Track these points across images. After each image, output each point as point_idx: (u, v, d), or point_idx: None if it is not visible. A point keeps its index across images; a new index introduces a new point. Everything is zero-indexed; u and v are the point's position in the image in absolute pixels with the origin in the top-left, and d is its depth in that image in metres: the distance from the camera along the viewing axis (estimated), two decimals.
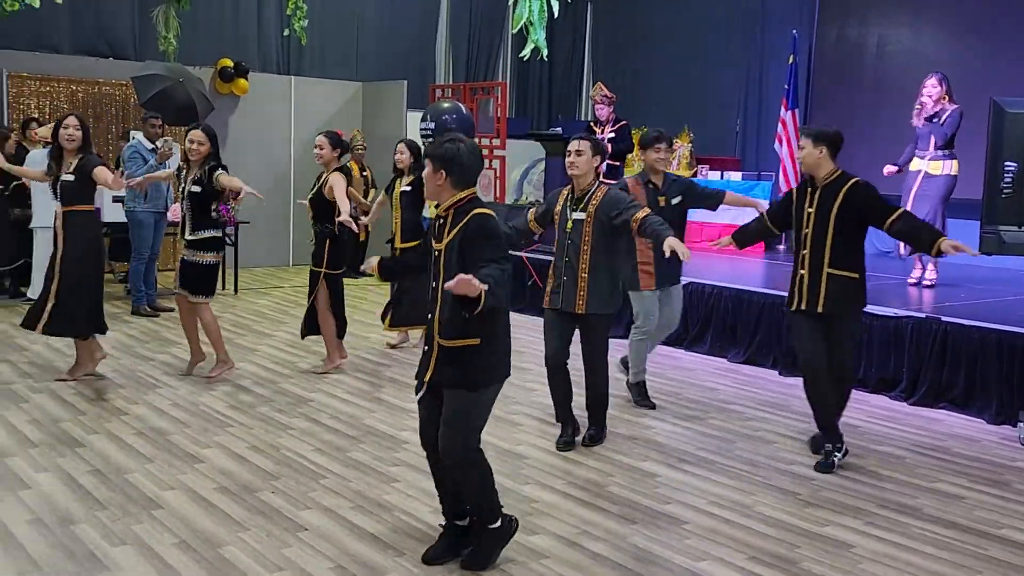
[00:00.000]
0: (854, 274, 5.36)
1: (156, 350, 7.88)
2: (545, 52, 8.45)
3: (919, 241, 5.29)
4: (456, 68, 15.24)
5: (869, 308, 7.25)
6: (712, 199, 6.55)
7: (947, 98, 8.45)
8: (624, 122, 11.22)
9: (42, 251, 9.47)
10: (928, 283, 8.67)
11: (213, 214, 6.81)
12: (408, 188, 7.75)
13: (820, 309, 5.35)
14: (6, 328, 8.44)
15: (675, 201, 6.38)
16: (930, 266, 8.72)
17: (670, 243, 5.19)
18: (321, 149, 7.12)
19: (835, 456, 5.44)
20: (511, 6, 8.58)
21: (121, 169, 8.04)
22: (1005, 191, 6.79)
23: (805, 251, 5.41)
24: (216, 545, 4.13)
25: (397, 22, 14.64)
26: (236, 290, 10.92)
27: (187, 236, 6.79)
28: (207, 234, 6.78)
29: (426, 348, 3.92)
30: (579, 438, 5.76)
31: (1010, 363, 6.55)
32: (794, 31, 12.15)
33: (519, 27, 8.26)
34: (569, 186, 5.61)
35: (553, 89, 16.34)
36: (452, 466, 3.89)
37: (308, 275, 7.44)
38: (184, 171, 6.84)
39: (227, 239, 7.70)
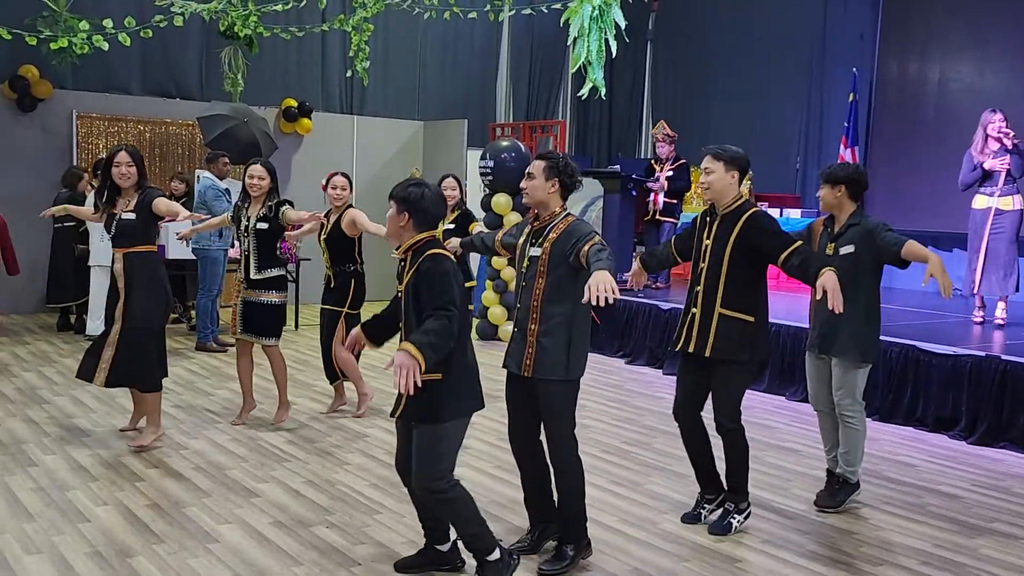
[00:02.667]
0: (749, 317, 4.77)
1: (216, 386, 8.04)
2: (603, 91, 8.53)
3: (807, 276, 4.61)
4: (516, 107, 15.40)
5: (927, 346, 7.21)
6: (890, 249, 5.09)
7: (1012, 132, 8.39)
8: (683, 160, 11.31)
9: (98, 291, 9.74)
10: (999, 321, 8.52)
11: (277, 252, 6.63)
12: (451, 226, 7.45)
13: (708, 353, 4.81)
14: (71, 363, 8.67)
15: (845, 251, 5.19)
16: (1000, 305, 8.58)
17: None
18: (344, 191, 6.85)
19: (733, 517, 4.93)
20: (570, 46, 8.68)
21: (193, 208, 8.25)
22: None
23: (699, 288, 4.86)
24: None
25: (458, 62, 14.87)
26: (296, 326, 11.10)
27: (252, 276, 6.47)
28: (273, 273, 6.53)
29: None
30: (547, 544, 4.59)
31: None
32: (854, 69, 12.09)
33: (578, 66, 8.35)
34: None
35: (613, 127, 16.41)
36: (424, 498, 4.02)
37: (321, 315, 7.06)
38: (244, 208, 6.56)
39: (288, 275, 7.38)
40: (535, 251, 4.33)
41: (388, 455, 6.12)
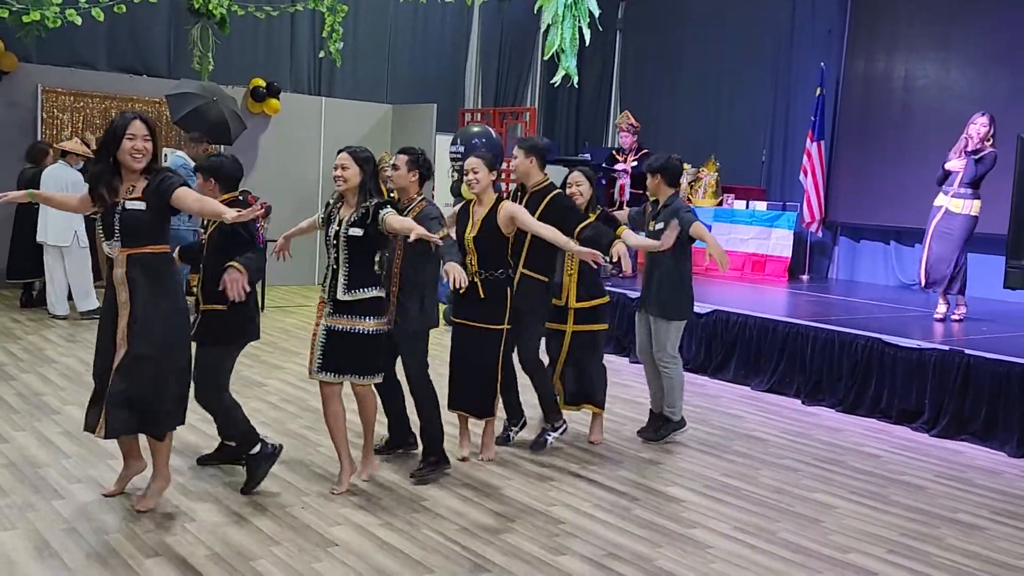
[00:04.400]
0: (544, 277, 5.80)
1: None
2: (576, 79, 8.56)
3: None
4: (485, 93, 15.39)
5: (893, 339, 7.36)
6: (685, 228, 6.09)
7: (991, 140, 8.48)
8: (646, 151, 11.46)
9: (57, 276, 9.62)
10: (956, 317, 8.68)
11: (375, 267, 5.21)
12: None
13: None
14: (37, 340, 8.58)
15: (658, 227, 6.18)
16: (960, 299, 8.74)
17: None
18: (480, 176, 5.58)
19: (549, 435, 6.11)
20: (542, 33, 8.71)
21: None
22: None
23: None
24: (248, 558, 4.20)
25: (428, 46, 14.82)
26: (262, 308, 11.05)
27: (340, 296, 4.94)
28: (369, 293, 4.97)
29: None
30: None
31: None
32: (822, 64, 12.23)
33: (551, 54, 8.37)
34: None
35: (581, 116, 16.46)
36: (205, 408, 5.15)
37: (459, 335, 5.85)
38: (336, 209, 5.10)
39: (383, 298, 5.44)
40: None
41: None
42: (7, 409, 6.38)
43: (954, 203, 8.59)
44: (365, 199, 4.95)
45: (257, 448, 5.08)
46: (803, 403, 7.82)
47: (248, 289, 4.91)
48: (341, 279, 4.94)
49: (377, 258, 5.19)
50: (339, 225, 4.97)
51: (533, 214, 5.59)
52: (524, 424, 6.25)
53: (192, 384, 4.89)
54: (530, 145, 5.88)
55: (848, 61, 12.63)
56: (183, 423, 4.76)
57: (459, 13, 14.60)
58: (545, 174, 5.88)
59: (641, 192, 11.71)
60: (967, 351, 7.00)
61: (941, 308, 8.77)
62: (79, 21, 9.09)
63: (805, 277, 12.19)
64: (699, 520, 5.00)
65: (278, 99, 12.84)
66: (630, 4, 15.88)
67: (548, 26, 8.54)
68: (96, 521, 4.55)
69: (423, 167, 5.41)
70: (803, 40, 13.16)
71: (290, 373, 7.93)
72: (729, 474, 5.85)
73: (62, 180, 9.29)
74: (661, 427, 6.46)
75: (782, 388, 8.09)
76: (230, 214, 4.37)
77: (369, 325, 4.98)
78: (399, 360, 5.51)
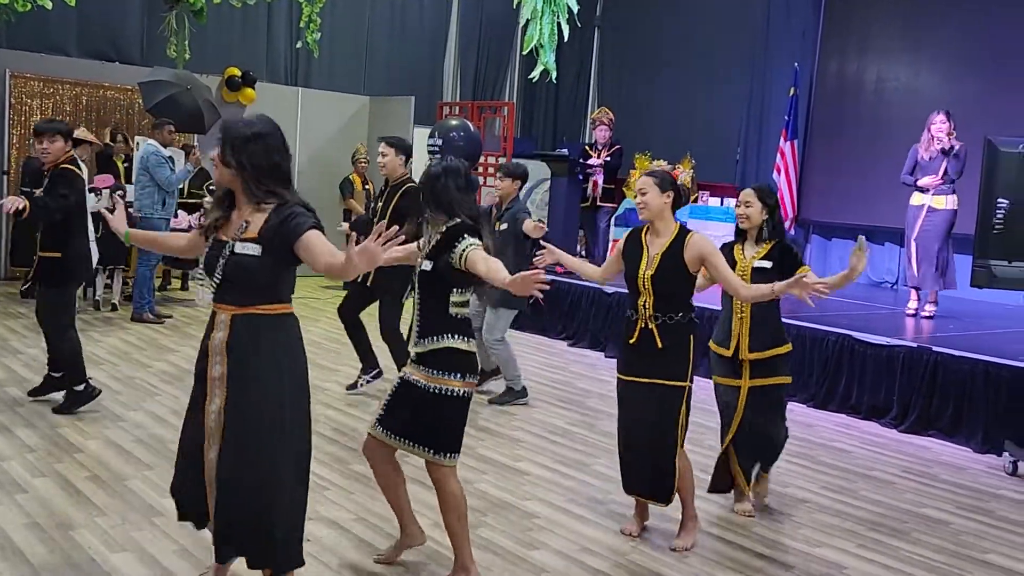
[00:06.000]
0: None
1: (154, 357, 7.91)
2: (554, 75, 8.57)
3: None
4: (464, 86, 15.35)
5: (863, 336, 7.42)
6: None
7: (954, 134, 8.63)
8: (619, 146, 11.60)
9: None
10: (926, 314, 8.77)
11: (452, 310, 3.90)
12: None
13: (369, 283, 6.79)
14: (2, 331, 8.49)
15: (502, 227, 6.92)
16: (930, 297, 8.83)
17: None
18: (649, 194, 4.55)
19: (365, 382, 7.07)
20: (521, 28, 8.71)
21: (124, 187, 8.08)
22: (996, 227, 6.93)
23: None
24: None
25: (407, 38, 14.76)
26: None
27: (410, 346, 4.00)
28: (443, 343, 3.87)
29: None
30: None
31: (996, 394, 6.69)
32: (796, 64, 12.31)
33: (529, 49, 8.37)
34: None
35: (559, 111, 16.47)
36: (46, 338, 6.15)
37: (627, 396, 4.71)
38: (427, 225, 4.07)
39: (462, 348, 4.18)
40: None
41: (336, 433, 6.12)
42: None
43: (936, 200, 8.72)
44: (439, 217, 3.94)
45: (82, 387, 6.14)
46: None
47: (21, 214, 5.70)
48: (415, 323, 3.97)
49: (456, 298, 3.92)
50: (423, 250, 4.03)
51: (389, 204, 6.67)
52: (379, 374, 7.07)
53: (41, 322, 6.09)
54: (397, 142, 6.79)
55: (821, 62, 12.73)
56: (302, 562, 3.54)
57: (438, 6, 14.57)
58: (407, 169, 6.84)
59: (614, 188, 11.79)
60: (935, 348, 7.08)
61: (912, 304, 8.86)
62: (49, 5, 8.98)
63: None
64: (673, 514, 5.01)
65: (253, 89, 12.74)
66: (609, 1, 15.89)
67: (527, 21, 8.55)
68: (58, 516, 4.50)
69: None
70: (778, 41, 13.23)
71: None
72: (703, 469, 5.86)
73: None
74: (506, 394, 7.16)
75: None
76: (345, 260, 3.26)
77: (454, 383, 3.85)
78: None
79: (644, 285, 4.45)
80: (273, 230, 3.33)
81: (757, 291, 4.57)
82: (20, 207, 5.64)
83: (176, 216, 9.81)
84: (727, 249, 5.04)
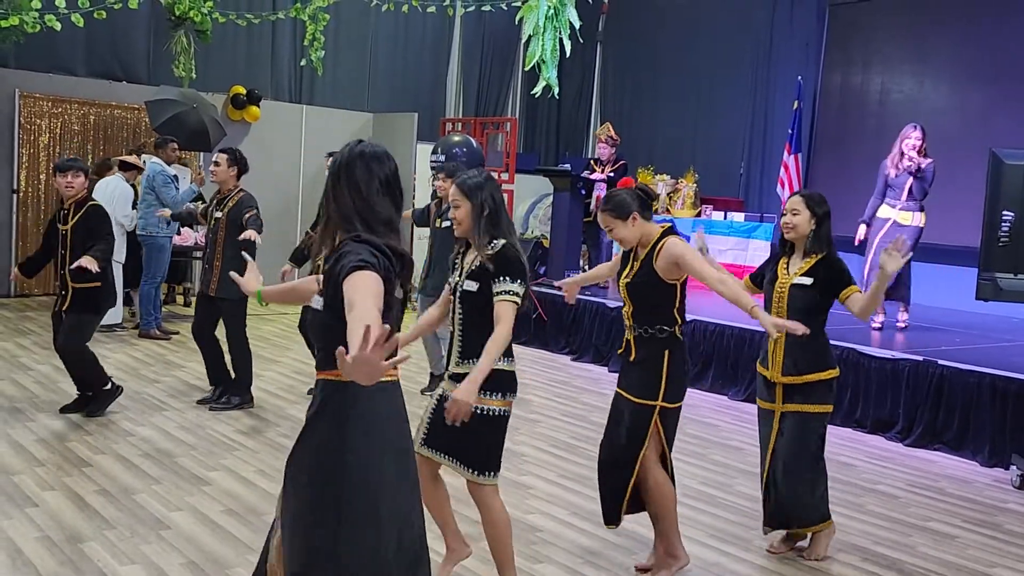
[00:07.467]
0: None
1: (162, 373, 7.96)
2: (556, 90, 8.60)
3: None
4: (467, 102, 15.42)
5: (868, 350, 7.43)
6: None
7: (924, 152, 8.60)
8: (623, 162, 11.62)
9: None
10: (902, 325, 8.76)
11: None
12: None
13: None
14: (8, 346, 8.53)
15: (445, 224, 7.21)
16: (901, 307, 8.81)
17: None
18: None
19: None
20: (523, 44, 8.75)
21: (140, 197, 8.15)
22: (1002, 239, 6.91)
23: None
24: (224, 567, 4.20)
25: (410, 55, 14.84)
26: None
27: (451, 367, 3.90)
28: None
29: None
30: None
31: (1003, 407, 6.67)
32: (799, 77, 12.32)
33: (532, 64, 8.41)
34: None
35: (561, 126, 16.54)
36: (66, 358, 6.52)
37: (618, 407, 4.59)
38: (456, 253, 4.01)
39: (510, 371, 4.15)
40: (218, 214, 7.04)
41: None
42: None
43: (903, 216, 8.67)
44: (485, 237, 3.81)
45: (109, 385, 6.61)
46: None
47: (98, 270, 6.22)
48: (456, 344, 3.88)
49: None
50: (460, 275, 3.89)
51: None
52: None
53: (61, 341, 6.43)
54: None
55: (825, 74, 12.76)
56: None
57: (441, 23, 14.63)
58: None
59: None
60: (940, 361, 7.07)
61: (879, 317, 8.74)
62: (59, 27, 9.06)
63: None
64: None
65: (258, 106, 12.82)
66: (610, 17, 15.97)
67: (529, 37, 8.57)
68: (68, 530, 4.54)
69: (241, 163, 7.10)
70: (781, 53, 13.27)
71: (269, 382, 7.92)
72: (706, 482, 5.89)
73: (108, 191, 9.10)
74: (434, 381, 7.42)
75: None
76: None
77: (493, 403, 3.78)
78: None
79: (624, 293, 4.34)
80: (330, 281, 2.71)
81: (734, 294, 4.21)
82: (95, 269, 6.25)
83: (179, 233, 9.85)
84: (771, 262, 4.76)
